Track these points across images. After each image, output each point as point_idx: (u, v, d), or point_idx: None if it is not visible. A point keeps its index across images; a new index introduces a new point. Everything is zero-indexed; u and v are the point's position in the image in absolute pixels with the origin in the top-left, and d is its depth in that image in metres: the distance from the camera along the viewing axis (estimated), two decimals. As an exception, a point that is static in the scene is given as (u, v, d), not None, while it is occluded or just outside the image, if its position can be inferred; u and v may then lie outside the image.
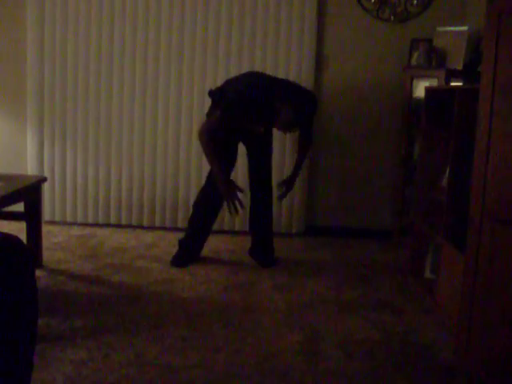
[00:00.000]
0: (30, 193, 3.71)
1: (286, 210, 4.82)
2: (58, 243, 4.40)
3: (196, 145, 4.70)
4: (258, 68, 4.50)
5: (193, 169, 4.77)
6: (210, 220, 4.10)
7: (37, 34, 4.66)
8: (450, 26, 4.38)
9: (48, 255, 4.03)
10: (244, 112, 3.73)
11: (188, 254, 4.08)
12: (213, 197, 3.98)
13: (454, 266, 3.13)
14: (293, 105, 3.62)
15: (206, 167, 4.67)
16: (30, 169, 4.83)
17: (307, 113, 3.76)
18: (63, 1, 4.63)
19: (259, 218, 4.17)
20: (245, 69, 4.48)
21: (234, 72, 4.48)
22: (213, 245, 4.44)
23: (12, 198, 3.45)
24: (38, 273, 3.50)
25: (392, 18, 4.69)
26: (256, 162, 4.10)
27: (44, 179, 3.96)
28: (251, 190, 4.15)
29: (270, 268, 4.04)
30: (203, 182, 4.70)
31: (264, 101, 3.71)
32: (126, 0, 4.63)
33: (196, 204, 4.08)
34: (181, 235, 4.18)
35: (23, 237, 3.76)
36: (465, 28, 4.22)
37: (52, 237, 4.53)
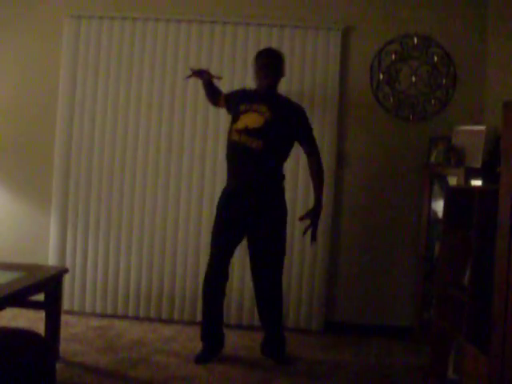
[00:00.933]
0: (51, 284, 3.73)
1: (305, 306, 4.76)
2: (76, 334, 4.37)
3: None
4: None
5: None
6: (215, 304, 4.05)
7: (65, 124, 4.82)
8: (468, 124, 4.47)
9: (65, 346, 3.99)
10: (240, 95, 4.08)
11: (209, 348, 4.03)
12: (210, 278, 4.01)
13: (477, 367, 3.05)
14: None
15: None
16: (52, 257, 4.87)
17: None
18: (93, 93, 4.83)
19: (267, 313, 4.08)
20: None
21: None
22: (230, 340, 4.38)
23: (33, 289, 3.47)
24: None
25: (411, 117, 4.80)
26: (258, 244, 3.98)
27: (65, 270, 4.00)
28: (254, 280, 4.08)
29: (289, 366, 3.96)
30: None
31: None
32: (152, 89, 4.81)
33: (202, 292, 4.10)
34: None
35: (41, 326, 3.75)
36: (483, 127, 4.30)
37: (70, 327, 4.49)
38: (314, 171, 4.02)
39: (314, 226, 3.90)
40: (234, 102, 4.07)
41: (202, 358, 3.94)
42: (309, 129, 4.03)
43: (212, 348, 4.03)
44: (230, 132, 3.99)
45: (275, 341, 4.09)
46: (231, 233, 3.98)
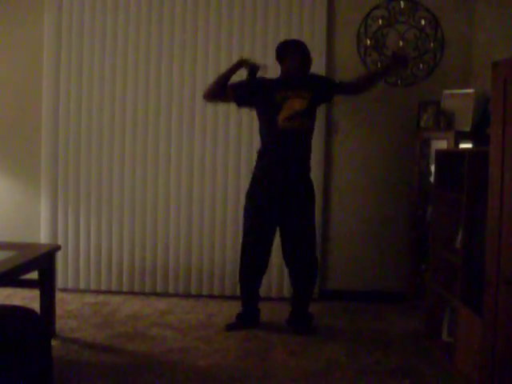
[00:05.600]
0: (44, 261, 3.73)
1: (299, 274, 4.78)
2: (71, 311, 4.37)
3: (209, 211, 4.76)
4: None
5: (205, 235, 4.79)
6: (253, 284, 4.13)
7: (51, 103, 4.79)
8: (457, 88, 4.45)
9: (61, 323, 4.00)
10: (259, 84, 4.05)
11: (242, 320, 4.13)
12: (248, 261, 4.07)
13: (471, 328, 3.09)
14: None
15: (219, 234, 4.72)
16: (44, 235, 4.86)
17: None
18: (78, 73, 4.78)
19: (304, 286, 4.13)
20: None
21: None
22: (227, 311, 4.41)
23: (26, 267, 3.47)
24: (51, 342, 3.47)
25: (399, 82, 4.78)
26: (296, 220, 4.02)
27: (58, 247, 3.99)
28: (291, 257, 4.12)
29: (284, 336, 3.96)
30: (215, 248, 4.76)
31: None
32: (138, 62, 4.77)
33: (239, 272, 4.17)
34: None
35: (36, 305, 3.75)
36: (472, 90, 4.28)
37: (65, 304, 4.50)
38: (363, 76, 4.32)
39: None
40: (261, 92, 4.03)
41: (232, 326, 4.08)
42: (333, 80, 4.32)
43: (245, 320, 4.13)
44: (273, 122, 3.97)
45: (304, 314, 4.13)
46: (271, 217, 4.03)
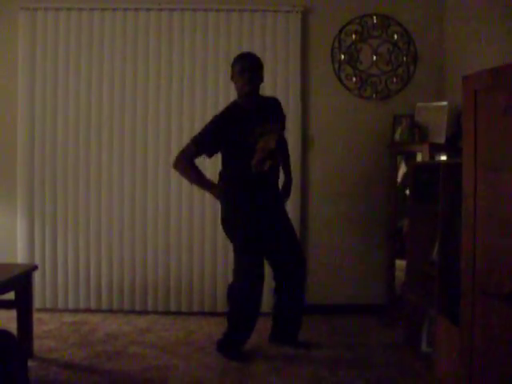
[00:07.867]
0: (21, 282, 3.68)
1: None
2: (50, 331, 4.32)
3: (186, 229, 4.74)
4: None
5: (184, 252, 4.79)
6: (252, 313, 3.86)
7: (26, 121, 4.76)
8: (430, 101, 4.52)
9: (39, 344, 3.94)
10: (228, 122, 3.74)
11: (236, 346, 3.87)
12: (246, 292, 3.80)
13: (449, 338, 3.11)
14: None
15: (196, 250, 4.71)
16: (21, 255, 4.80)
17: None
18: (53, 92, 4.77)
19: (297, 295, 4.01)
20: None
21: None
22: (206, 328, 4.39)
23: (2, 288, 3.42)
24: (29, 363, 3.42)
25: (374, 95, 4.83)
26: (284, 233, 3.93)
27: (35, 267, 3.94)
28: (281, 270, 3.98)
29: (266, 351, 3.95)
30: (194, 265, 4.74)
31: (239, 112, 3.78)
32: (113, 80, 4.78)
33: (231, 300, 3.89)
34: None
35: (13, 325, 3.70)
36: (444, 103, 4.35)
37: (43, 325, 4.45)
38: (286, 155, 4.11)
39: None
40: (239, 130, 3.71)
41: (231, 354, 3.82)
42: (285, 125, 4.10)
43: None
44: (246, 166, 3.74)
45: (295, 325, 4.03)
46: (264, 237, 3.84)
